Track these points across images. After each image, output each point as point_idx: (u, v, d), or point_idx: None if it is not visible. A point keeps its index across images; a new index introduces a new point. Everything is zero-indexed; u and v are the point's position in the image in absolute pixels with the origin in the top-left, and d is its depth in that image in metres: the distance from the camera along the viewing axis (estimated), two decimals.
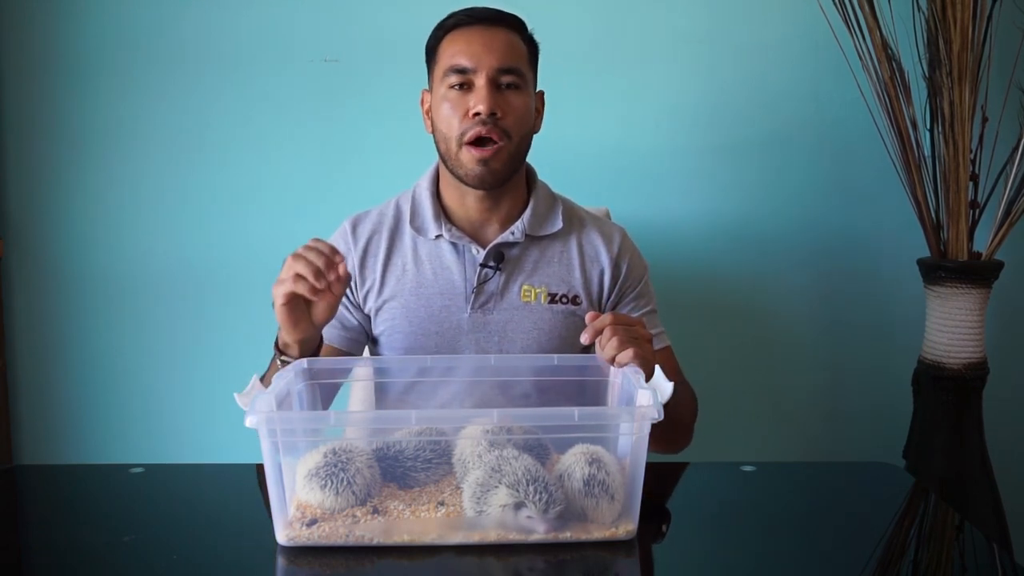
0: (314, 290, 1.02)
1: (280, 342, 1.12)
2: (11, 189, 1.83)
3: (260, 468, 0.96)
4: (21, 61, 1.80)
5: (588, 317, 1.06)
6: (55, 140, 1.82)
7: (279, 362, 1.11)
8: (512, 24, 1.25)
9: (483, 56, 1.20)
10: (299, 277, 1.02)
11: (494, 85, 1.20)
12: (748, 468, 1.10)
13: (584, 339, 1.05)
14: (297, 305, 1.06)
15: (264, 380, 0.96)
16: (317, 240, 1.06)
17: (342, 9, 1.80)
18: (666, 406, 0.86)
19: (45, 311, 1.86)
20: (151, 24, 1.79)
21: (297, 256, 1.04)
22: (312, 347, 1.12)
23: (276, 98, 1.81)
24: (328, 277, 1.02)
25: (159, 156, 1.82)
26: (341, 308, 1.28)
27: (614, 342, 1.02)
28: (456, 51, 1.21)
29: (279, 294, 1.04)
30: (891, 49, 1.65)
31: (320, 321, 1.09)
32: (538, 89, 1.30)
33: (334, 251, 1.04)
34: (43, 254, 1.85)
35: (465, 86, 1.21)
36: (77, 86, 1.80)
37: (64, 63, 1.80)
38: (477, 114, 1.19)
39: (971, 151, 1.64)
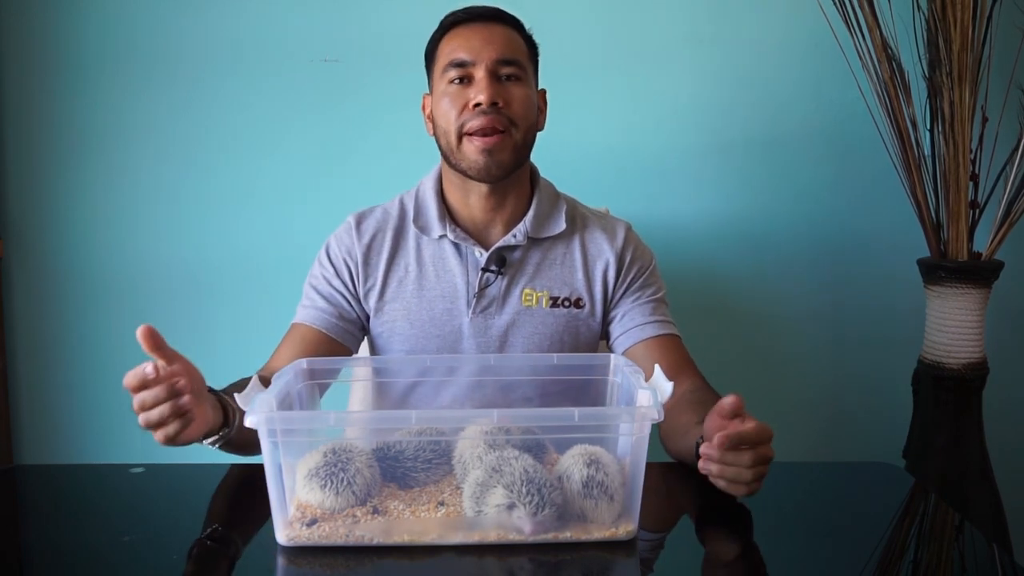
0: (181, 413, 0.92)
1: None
2: (11, 189, 1.83)
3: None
4: (21, 61, 1.80)
5: (717, 439, 0.91)
6: (55, 140, 1.82)
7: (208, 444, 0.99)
8: (510, 21, 1.25)
9: (482, 49, 1.20)
10: (159, 424, 0.92)
11: (494, 76, 1.20)
12: None
13: (705, 463, 0.93)
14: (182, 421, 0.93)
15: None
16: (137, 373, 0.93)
17: (342, 9, 1.79)
18: None
19: (45, 311, 1.86)
20: (151, 24, 1.79)
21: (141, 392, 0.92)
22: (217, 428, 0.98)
23: (276, 98, 1.81)
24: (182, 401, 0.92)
25: (159, 156, 1.82)
26: (341, 299, 1.28)
27: (748, 475, 0.91)
28: (455, 46, 1.21)
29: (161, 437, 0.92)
30: (891, 49, 1.65)
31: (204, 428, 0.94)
32: (540, 88, 1.30)
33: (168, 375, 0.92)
34: (43, 254, 1.85)
35: (465, 80, 1.20)
36: (77, 86, 1.80)
37: (64, 63, 1.80)
38: (478, 105, 1.18)
39: (971, 151, 1.64)
